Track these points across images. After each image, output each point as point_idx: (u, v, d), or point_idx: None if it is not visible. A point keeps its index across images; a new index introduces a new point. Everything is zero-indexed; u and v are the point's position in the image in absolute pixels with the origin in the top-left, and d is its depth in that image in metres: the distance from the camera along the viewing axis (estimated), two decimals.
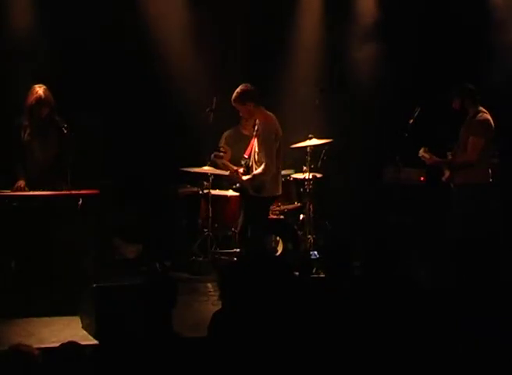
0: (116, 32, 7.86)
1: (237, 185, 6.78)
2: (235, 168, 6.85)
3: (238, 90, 6.50)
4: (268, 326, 3.72)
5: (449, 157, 6.85)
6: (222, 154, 7.23)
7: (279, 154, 6.60)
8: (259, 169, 6.49)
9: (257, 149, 6.59)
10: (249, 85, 6.51)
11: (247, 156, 6.79)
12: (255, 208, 6.59)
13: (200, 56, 8.40)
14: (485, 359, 3.69)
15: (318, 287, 4.42)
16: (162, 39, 8.27)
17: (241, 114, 6.69)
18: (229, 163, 7.08)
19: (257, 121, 6.68)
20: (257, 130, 6.65)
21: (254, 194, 6.54)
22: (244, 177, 6.61)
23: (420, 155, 6.87)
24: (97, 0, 7.81)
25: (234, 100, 6.51)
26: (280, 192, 6.85)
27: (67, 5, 7.68)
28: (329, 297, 4.10)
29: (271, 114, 6.65)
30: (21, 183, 6.19)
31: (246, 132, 7.46)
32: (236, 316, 3.78)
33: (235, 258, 7.18)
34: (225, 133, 7.80)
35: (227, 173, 7.00)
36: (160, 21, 8.26)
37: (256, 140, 6.62)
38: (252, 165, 6.65)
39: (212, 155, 7.20)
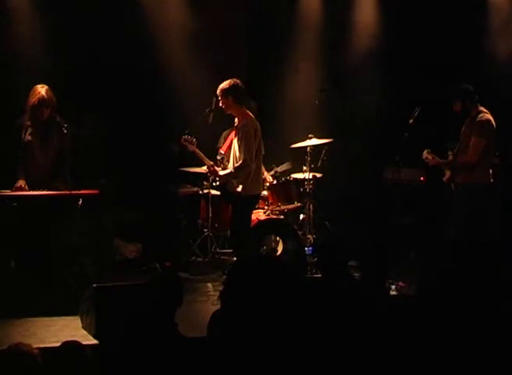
0: (117, 33, 7.86)
1: (217, 183, 6.82)
2: (211, 162, 6.86)
3: (227, 82, 6.56)
4: (266, 326, 3.72)
5: (450, 157, 6.86)
6: (192, 139, 6.84)
7: (259, 153, 6.64)
8: (237, 164, 6.54)
9: (237, 148, 6.61)
10: (239, 82, 6.57)
11: (223, 152, 6.85)
12: (238, 207, 6.62)
13: (200, 57, 8.41)
14: (485, 359, 3.69)
15: (314, 287, 4.41)
16: (163, 40, 8.29)
17: (220, 104, 6.66)
18: (204, 156, 6.89)
19: (236, 120, 6.74)
20: (236, 127, 6.71)
21: (235, 193, 6.56)
22: (221, 172, 6.69)
23: (423, 156, 6.88)
24: (98, 2, 7.83)
25: (220, 89, 6.57)
26: (262, 191, 6.95)
27: (68, 6, 7.70)
28: (326, 296, 4.11)
29: (251, 114, 6.69)
30: (21, 183, 6.18)
31: None
32: (234, 315, 3.78)
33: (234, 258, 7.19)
34: (225, 133, 7.81)
35: (205, 170, 7.02)
36: (160, 22, 8.29)
37: (236, 138, 6.65)
38: (232, 163, 6.65)
39: (182, 139, 6.79)
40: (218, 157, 6.95)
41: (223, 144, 7.74)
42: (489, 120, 6.65)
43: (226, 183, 6.71)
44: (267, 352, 3.53)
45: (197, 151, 6.86)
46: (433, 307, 3.93)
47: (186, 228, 7.98)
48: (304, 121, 8.20)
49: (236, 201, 6.64)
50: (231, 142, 6.86)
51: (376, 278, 4.25)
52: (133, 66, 8.02)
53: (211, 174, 6.92)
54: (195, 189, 7.87)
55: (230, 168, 6.65)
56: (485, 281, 4.51)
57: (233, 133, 6.83)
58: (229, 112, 6.72)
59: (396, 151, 7.09)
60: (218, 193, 7.46)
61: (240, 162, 6.52)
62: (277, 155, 8.01)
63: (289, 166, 8.01)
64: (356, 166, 8.58)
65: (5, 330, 5.31)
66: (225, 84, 6.57)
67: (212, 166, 6.79)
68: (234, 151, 6.64)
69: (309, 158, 7.68)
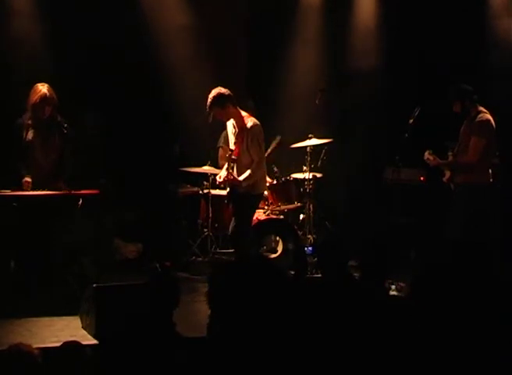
0: (117, 32, 7.86)
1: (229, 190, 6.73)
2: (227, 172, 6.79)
3: (214, 94, 6.36)
4: (265, 326, 3.72)
5: (450, 157, 6.85)
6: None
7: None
8: (253, 166, 6.47)
9: (244, 149, 6.51)
10: (222, 88, 6.41)
11: (234, 157, 6.67)
12: (247, 207, 6.58)
13: (201, 57, 8.41)
14: (485, 360, 3.68)
15: (314, 287, 4.41)
16: (163, 39, 8.29)
17: (217, 117, 6.53)
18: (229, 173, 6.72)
19: (233, 122, 6.61)
20: (241, 131, 6.56)
21: (246, 192, 6.53)
22: (241, 178, 6.53)
23: (425, 157, 6.88)
24: (98, 1, 7.83)
25: (213, 104, 6.36)
26: (265, 189, 6.95)
27: (68, 6, 7.70)
28: (325, 296, 4.11)
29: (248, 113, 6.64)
30: (28, 179, 6.16)
31: None
32: (231, 317, 3.77)
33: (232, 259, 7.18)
34: (224, 133, 7.80)
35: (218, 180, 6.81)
36: (160, 21, 8.29)
37: (243, 141, 6.52)
38: (239, 167, 6.57)
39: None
40: (232, 163, 6.72)
41: (223, 143, 7.73)
42: (489, 120, 6.64)
43: (242, 186, 6.52)
44: (266, 353, 3.53)
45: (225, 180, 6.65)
46: (429, 306, 3.93)
47: (186, 228, 7.98)
48: (304, 121, 8.19)
49: (243, 201, 6.57)
50: (238, 146, 6.63)
51: (376, 278, 4.25)
52: (133, 66, 8.02)
53: (232, 182, 6.56)
54: (195, 189, 7.87)
55: (249, 172, 6.49)
56: (484, 281, 4.50)
57: (238, 135, 6.63)
58: (232, 120, 6.61)
59: (396, 151, 7.09)
60: (219, 193, 7.46)
61: (255, 164, 6.46)
62: (277, 155, 8.01)
63: (278, 140, 7.93)
64: (356, 166, 8.57)
65: (5, 330, 5.31)
66: (216, 96, 6.33)
67: (231, 174, 6.52)
68: (244, 152, 6.51)
69: (309, 158, 7.68)
